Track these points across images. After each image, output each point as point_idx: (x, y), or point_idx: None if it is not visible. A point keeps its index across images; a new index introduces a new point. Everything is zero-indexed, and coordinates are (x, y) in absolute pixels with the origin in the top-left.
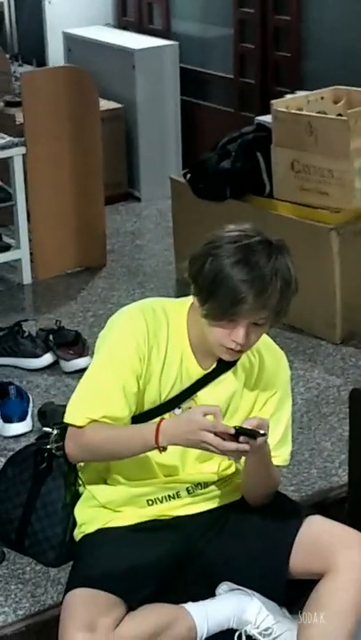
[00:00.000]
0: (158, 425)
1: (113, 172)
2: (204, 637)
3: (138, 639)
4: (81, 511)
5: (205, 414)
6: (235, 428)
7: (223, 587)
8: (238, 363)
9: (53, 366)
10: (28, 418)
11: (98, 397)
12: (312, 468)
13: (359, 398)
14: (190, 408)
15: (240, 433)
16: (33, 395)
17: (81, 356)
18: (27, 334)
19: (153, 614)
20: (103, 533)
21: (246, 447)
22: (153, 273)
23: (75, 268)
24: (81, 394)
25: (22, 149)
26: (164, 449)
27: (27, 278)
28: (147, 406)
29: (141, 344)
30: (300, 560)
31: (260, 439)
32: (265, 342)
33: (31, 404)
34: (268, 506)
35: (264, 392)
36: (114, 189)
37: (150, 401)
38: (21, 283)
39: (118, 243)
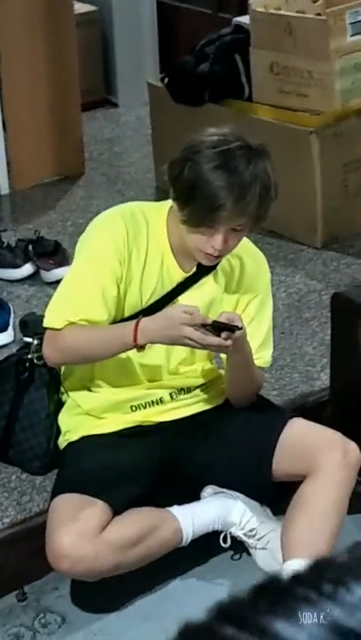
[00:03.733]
0: (137, 323)
1: (89, 77)
2: (189, 540)
3: (124, 542)
4: (65, 419)
5: (184, 313)
6: (213, 320)
7: (208, 490)
8: (219, 267)
9: (34, 276)
10: (10, 329)
11: (76, 300)
12: (294, 372)
13: (340, 302)
14: None
15: (218, 327)
16: (14, 305)
17: (61, 265)
18: (5, 245)
19: (138, 518)
20: (87, 440)
21: (228, 342)
22: (132, 180)
23: (53, 177)
24: (59, 297)
25: None
26: (143, 348)
27: (4, 188)
28: (127, 312)
29: (121, 247)
30: (283, 462)
31: (238, 332)
32: (245, 246)
33: (12, 315)
34: (251, 410)
35: (245, 295)
36: (91, 95)
37: (131, 306)
38: None
39: (96, 150)
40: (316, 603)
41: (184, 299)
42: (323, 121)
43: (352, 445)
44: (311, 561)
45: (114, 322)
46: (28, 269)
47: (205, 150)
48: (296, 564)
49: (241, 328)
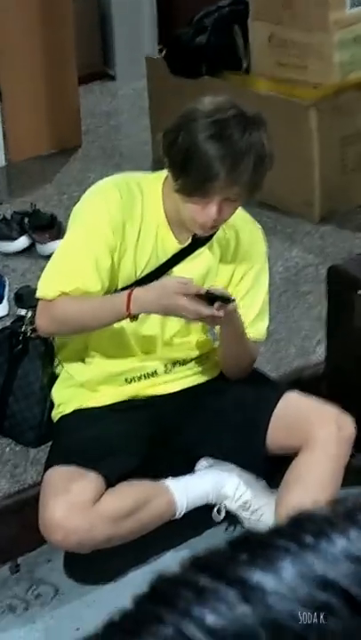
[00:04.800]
0: (130, 292)
1: (86, 49)
2: (183, 512)
3: (117, 514)
4: (58, 392)
5: (178, 283)
6: (207, 290)
7: (202, 462)
8: (214, 238)
9: (29, 250)
10: (5, 301)
11: (69, 270)
12: (290, 346)
13: (337, 276)
14: None
15: (212, 298)
16: (9, 278)
17: (57, 239)
18: (1, 217)
19: (132, 490)
20: (81, 413)
21: (220, 313)
22: (129, 154)
23: (49, 149)
24: (53, 267)
25: None
26: (135, 318)
27: (0, 161)
28: (121, 283)
29: (115, 217)
30: (277, 435)
31: (231, 305)
32: (241, 217)
33: (7, 288)
34: (246, 383)
35: (240, 267)
36: (88, 68)
37: (125, 277)
38: None
39: (93, 123)
40: (297, 554)
41: (179, 270)
42: (321, 94)
43: (347, 419)
44: (291, 515)
45: (108, 293)
46: (23, 242)
47: (200, 119)
48: None
49: (234, 300)
